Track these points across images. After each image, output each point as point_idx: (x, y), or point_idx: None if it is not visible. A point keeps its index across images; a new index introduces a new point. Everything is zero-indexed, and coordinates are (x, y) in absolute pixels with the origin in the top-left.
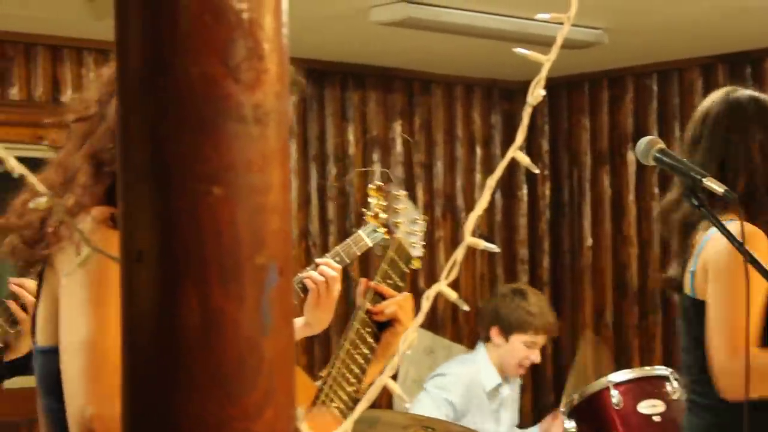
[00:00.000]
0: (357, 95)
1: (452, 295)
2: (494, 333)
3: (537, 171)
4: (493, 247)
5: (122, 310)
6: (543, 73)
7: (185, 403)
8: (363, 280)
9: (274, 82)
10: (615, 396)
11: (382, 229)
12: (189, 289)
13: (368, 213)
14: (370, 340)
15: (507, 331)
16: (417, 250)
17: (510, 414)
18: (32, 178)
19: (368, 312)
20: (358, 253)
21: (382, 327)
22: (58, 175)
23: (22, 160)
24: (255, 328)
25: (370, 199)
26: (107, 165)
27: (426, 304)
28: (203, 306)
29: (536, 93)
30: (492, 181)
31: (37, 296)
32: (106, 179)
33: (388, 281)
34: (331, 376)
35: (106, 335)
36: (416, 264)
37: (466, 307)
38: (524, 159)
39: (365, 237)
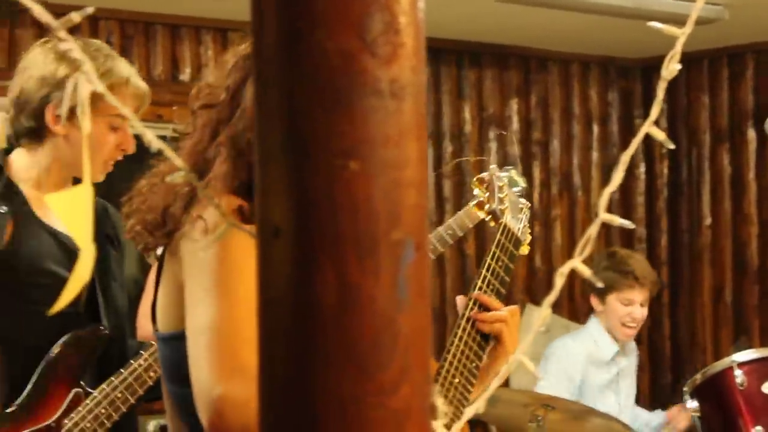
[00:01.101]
0: (473, 73)
1: (586, 271)
2: (594, 301)
3: (672, 146)
4: (628, 224)
5: (258, 287)
6: (678, 47)
7: (320, 379)
8: (459, 297)
9: (411, 55)
10: (739, 376)
11: (488, 217)
12: (325, 264)
13: (472, 204)
14: (476, 351)
15: (602, 295)
16: (524, 234)
17: (629, 385)
18: (170, 153)
19: (471, 319)
20: (470, 225)
21: (487, 337)
22: (189, 163)
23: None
24: (391, 305)
25: (475, 192)
26: (245, 155)
27: (560, 281)
28: (339, 282)
29: (671, 67)
30: (626, 156)
31: (157, 283)
32: (241, 171)
33: (493, 277)
34: (438, 384)
35: (231, 317)
36: (524, 249)
37: (600, 284)
38: (659, 134)
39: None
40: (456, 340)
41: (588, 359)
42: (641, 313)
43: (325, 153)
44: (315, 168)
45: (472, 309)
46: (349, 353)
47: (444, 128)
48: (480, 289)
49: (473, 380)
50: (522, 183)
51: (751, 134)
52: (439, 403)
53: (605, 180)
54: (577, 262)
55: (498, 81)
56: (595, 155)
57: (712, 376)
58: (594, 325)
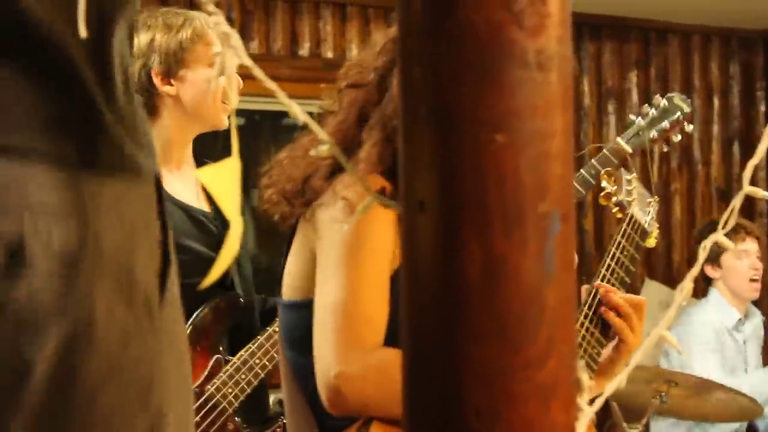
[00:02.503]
0: (592, 46)
1: (730, 245)
2: (709, 270)
3: None
4: None
5: (403, 261)
6: None
7: (467, 351)
8: (584, 287)
9: (557, 26)
10: None
11: (615, 208)
12: (471, 237)
13: (601, 195)
14: (598, 339)
15: (716, 260)
16: (652, 227)
17: (756, 351)
18: (314, 126)
19: (593, 307)
20: (616, 162)
21: (608, 325)
22: (333, 140)
23: (261, 113)
24: (538, 277)
25: (603, 184)
26: (393, 140)
27: (702, 254)
28: (486, 254)
29: None
30: None
31: (287, 250)
32: (388, 156)
33: (618, 266)
34: None
35: (358, 296)
36: (651, 242)
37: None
38: None
39: (623, 143)
40: (578, 327)
41: (714, 330)
42: (758, 263)
43: (472, 126)
44: (461, 141)
45: (594, 297)
46: (496, 326)
47: None
48: (604, 278)
49: (594, 366)
50: (686, 106)
51: None
52: (585, 377)
53: (725, 154)
54: (720, 236)
55: (617, 54)
56: (715, 128)
57: None
58: (714, 295)
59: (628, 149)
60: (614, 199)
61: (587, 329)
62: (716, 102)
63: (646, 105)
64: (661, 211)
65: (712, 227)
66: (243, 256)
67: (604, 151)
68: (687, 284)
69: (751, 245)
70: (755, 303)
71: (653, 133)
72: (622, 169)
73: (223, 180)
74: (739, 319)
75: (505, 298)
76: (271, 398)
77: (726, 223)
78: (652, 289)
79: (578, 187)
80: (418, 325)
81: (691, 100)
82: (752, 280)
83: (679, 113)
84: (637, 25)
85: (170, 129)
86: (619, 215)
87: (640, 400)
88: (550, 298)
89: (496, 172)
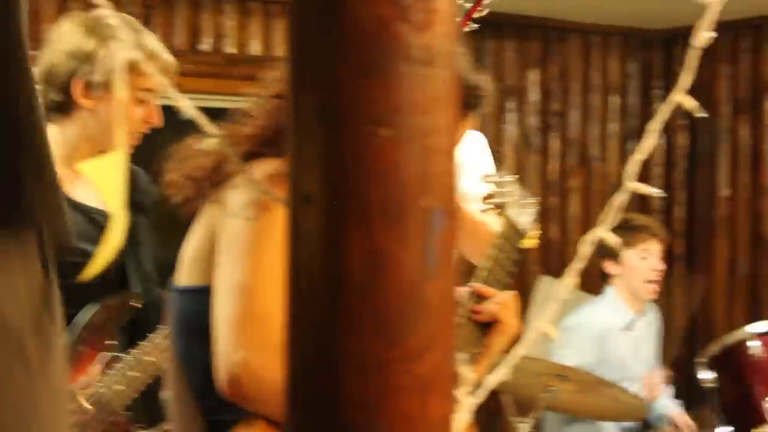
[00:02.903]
0: (493, 43)
1: (612, 239)
2: (608, 266)
3: (705, 115)
4: (657, 192)
5: (288, 252)
6: (711, 15)
7: (346, 345)
8: (461, 288)
9: (443, 22)
10: (755, 347)
11: (493, 210)
12: (354, 231)
13: (481, 199)
14: (477, 338)
15: (615, 256)
16: (529, 228)
17: (649, 347)
18: (202, 119)
19: (472, 312)
20: None
21: (487, 326)
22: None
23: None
24: (419, 272)
25: (481, 186)
26: None
27: (584, 249)
28: (368, 248)
29: (703, 35)
30: (655, 124)
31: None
32: None
33: (497, 267)
34: None
35: (261, 283)
36: (529, 242)
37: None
38: (690, 103)
39: None
40: (458, 327)
41: (605, 328)
42: (658, 263)
43: (357, 120)
44: (346, 135)
45: (473, 299)
46: (376, 320)
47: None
48: (484, 279)
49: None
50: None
51: None
52: (464, 370)
53: (623, 151)
54: (602, 231)
55: (518, 52)
56: (613, 126)
57: (729, 347)
58: (609, 295)
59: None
60: (493, 200)
61: (467, 329)
62: (614, 100)
63: None
64: (558, 208)
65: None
66: (143, 252)
67: None
68: (571, 279)
69: (654, 246)
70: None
71: None
72: (501, 172)
73: (108, 174)
74: (632, 319)
75: (385, 292)
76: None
77: (609, 218)
78: (547, 285)
79: None
80: (299, 317)
81: (590, 99)
82: (650, 282)
83: None
84: (537, 23)
85: (78, 135)
86: (499, 217)
87: (529, 393)
88: (430, 292)
89: (379, 166)
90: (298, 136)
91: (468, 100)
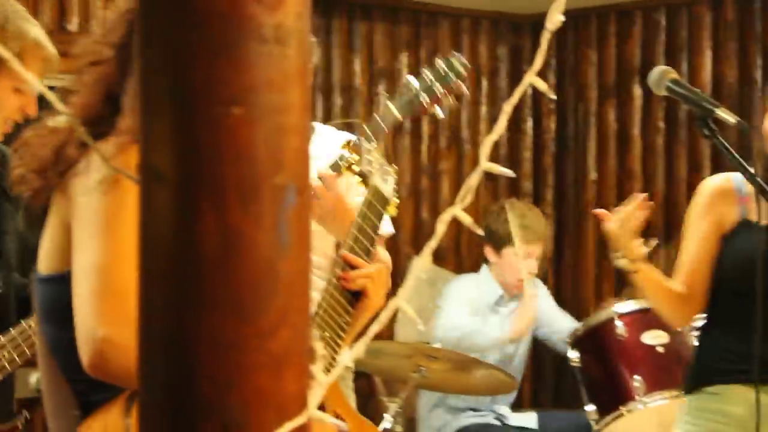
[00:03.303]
0: (364, 26)
1: (466, 219)
2: (488, 251)
3: (554, 97)
4: (509, 172)
5: (140, 231)
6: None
7: (200, 323)
8: (331, 257)
9: (295, 2)
10: (619, 327)
11: (357, 179)
12: (207, 209)
13: (342, 164)
14: (344, 307)
15: (498, 246)
16: (392, 195)
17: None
18: (52, 97)
19: (339, 279)
20: (385, 128)
21: (357, 294)
22: (79, 117)
23: None
24: (272, 249)
25: (343, 153)
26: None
27: (441, 228)
28: (221, 226)
29: (555, 19)
30: (509, 106)
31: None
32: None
33: (363, 236)
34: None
35: (119, 259)
36: (392, 210)
37: (480, 231)
38: (542, 85)
39: (393, 109)
40: (326, 296)
41: (476, 299)
42: (533, 267)
43: (209, 99)
44: (198, 114)
45: (341, 267)
46: (229, 297)
47: (334, 81)
48: (350, 248)
49: (342, 334)
50: (461, 70)
51: (637, 91)
52: (318, 347)
53: (488, 133)
54: (457, 210)
55: (388, 35)
56: (483, 110)
57: (594, 327)
58: (484, 273)
59: (399, 116)
60: (355, 168)
61: (335, 298)
62: (484, 84)
63: (425, 68)
64: (429, 190)
65: (511, 211)
66: (6, 240)
67: (375, 116)
68: (425, 258)
69: (536, 249)
70: None
71: (425, 98)
72: (363, 139)
73: None
74: (501, 296)
75: (239, 269)
76: (34, 377)
77: (464, 198)
78: (440, 274)
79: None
80: (153, 296)
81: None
82: (519, 280)
83: (454, 76)
84: (408, 7)
85: None
86: (362, 185)
87: (400, 374)
88: (283, 269)
89: (233, 145)
90: (150, 115)
91: None
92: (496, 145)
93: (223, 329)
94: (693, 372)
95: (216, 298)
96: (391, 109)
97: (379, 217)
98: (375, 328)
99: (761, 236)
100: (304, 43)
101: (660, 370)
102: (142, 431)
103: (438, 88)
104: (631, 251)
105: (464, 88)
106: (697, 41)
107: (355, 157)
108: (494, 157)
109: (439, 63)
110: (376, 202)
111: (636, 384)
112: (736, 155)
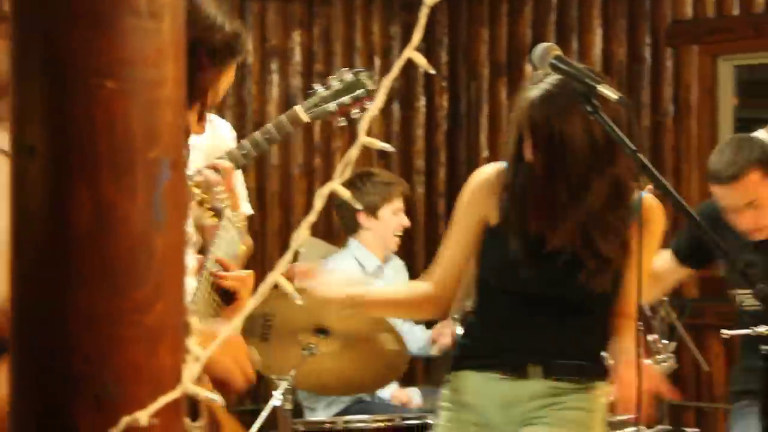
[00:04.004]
0: (256, 4)
1: (345, 193)
2: (362, 218)
3: (433, 72)
4: (388, 147)
5: (12, 206)
6: None
7: (74, 296)
8: (199, 258)
9: None
10: None
11: (210, 213)
12: (81, 183)
13: (194, 202)
14: (217, 301)
15: (373, 210)
16: (243, 236)
17: None
18: None
19: (213, 276)
20: (291, 130)
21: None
22: None
23: None
24: (146, 223)
25: (194, 192)
26: None
27: (319, 203)
28: (94, 200)
29: None
30: (387, 81)
31: None
32: None
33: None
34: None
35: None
36: (243, 249)
37: (358, 204)
38: (421, 60)
39: (301, 111)
40: (201, 289)
41: (355, 274)
42: (406, 220)
43: (82, 72)
44: (72, 87)
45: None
46: (104, 272)
47: None
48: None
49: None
50: (369, 84)
51: (528, 69)
52: (194, 320)
53: (385, 112)
54: (336, 185)
55: (281, 13)
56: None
57: None
58: (353, 245)
59: (305, 118)
60: (206, 204)
61: (208, 292)
62: (377, 62)
63: (332, 76)
64: (323, 169)
65: (372, 177)
66: None
67: (281, 116)
68: (303, 231)
69: (402, 204)
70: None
71: (333, 106)
72: (210, 176)
73: None
74: (379, 266)
75: (113, 244)
76: None
77: (342, 172)
78: (314, 246)
79: (250, 147)
80: (26, 270)
81: (353, 60)
82: (396, 235)
83: (362, 90)
84: None
85: None
86: (215, 220)
87: (291, 352)
88: (158, 244)
89: (106, 118)
90: (22, 87)
91: (227, 49)
92: (388, 123)
93: (97, 303)
94: (452, 359)
95: (90, 272)
96: (298, 111)
97: (235, 242)
98: (251, 305)
99: (521, 243)
100: (179, 17)
101: None
102: (15, 403)
103: (344, 100)
104: (341, 305)
105: (369, 104)
106: (587, 19)
107: (202, 194)
108: (387, 134)
109: (348, 75)
110: (232, 236)
111: None
112: (618, 131)
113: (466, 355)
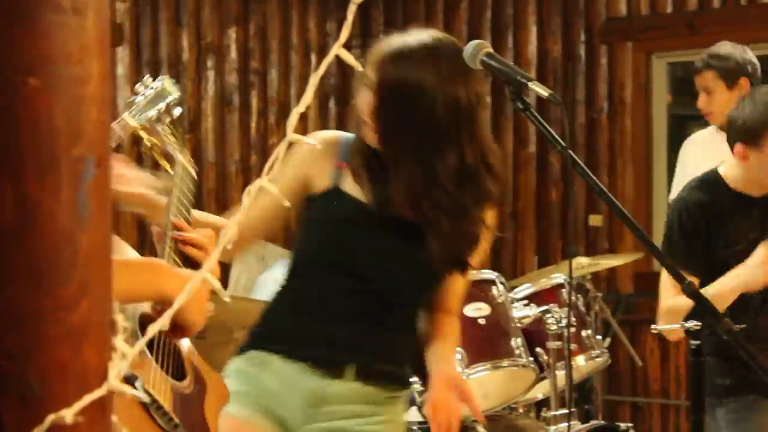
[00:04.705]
0: (191, 1)
1: (274, 190)
2: None
3: (362, 69)
4: (315, 143)
5: None
6: None
7: None
8: (155, 230)
9: None
10: None
11: (163, 160)
12: (4, 180)
13: (144, 148)
14: (179, 265)
15: None
16: (192, 167)
17: None
18: None
19: (175, 240)
20: (125, 135)
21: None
22: None
23: None
24: (71, 221)
25: (144, 139)
26: None
27: (246, 200)
28: (18, 197)
29: None
30: (315, 78)
31: None
32: None
33: (182, 207)
34: None
35: None
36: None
37: (287, 203)
38: (348, 57)
39: (129, 119)
40: (165, 257)
41: None
42: None
43: (5, 69)
44: None
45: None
46: (28, 269)
47: (161, 56)
48: (174, 215)
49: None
50: (175, 91)
51: None
52: (120, 318)
53: (322, 109)
54: (264, 181)
55: (216, 9)
56: None
57: None
58: None
59: (135, 124)
60: (157, 148)
61: (172, 259)
62: (313, 59)
63: (139, 84)
64: (260, 166)
65: None
66: None
67: (113, 125)
68: (231, 228)
69: None
70: None
71: (153, 112)
72: (158, 123)
73: None
74: None
75: (37, 241)
76: None
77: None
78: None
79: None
80: None
81: (289, 57)
82: None
83: (170, 98)
84: None
85: None
86: (168, 164)
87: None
88: (83, 241)
89: (30, 116)
90: None
91: None
92: (325, 119)
93: (23, 301)
94: (253, 334)
95: (13, 269)
96: (126, 119)
97: (189, 191)
98: (181, 299)
99: (350, 212)
100: (102, 13)
101: (481, 342)
102: None
103: (161, 107)
104: (135, 202)
105: (178, 111)
106: (523, 16)
107: (152, 140)
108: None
109: (157, 83)
110: (185, 176)
111: (457, 356)
112: (548, 129)
113: (274, 337)
